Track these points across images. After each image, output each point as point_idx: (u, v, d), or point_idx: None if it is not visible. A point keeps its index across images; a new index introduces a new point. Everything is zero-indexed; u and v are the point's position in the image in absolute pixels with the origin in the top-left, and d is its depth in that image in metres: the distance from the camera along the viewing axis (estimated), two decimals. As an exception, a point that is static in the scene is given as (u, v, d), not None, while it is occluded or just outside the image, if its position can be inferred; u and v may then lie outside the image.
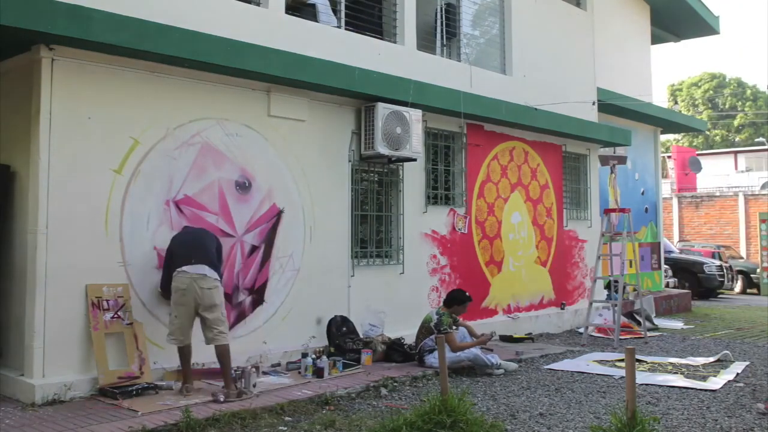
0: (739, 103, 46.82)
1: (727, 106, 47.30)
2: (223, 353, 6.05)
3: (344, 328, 7.75)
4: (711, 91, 46.41)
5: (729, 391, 6.85)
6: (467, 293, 8.04)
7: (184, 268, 6.00)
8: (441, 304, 8.13)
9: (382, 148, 7.96)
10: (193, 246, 6.17)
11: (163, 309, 6.48)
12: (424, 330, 7.66)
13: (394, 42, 8.90)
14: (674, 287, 16.36)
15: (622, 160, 14.05)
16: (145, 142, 6.44)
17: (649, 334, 10.56)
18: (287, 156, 7.58)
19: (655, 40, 16.29)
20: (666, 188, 25.08)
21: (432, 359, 7.41)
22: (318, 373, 6.83)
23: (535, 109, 10.23)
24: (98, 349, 5.97)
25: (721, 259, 19.46)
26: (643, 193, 15.17)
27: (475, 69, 9.71)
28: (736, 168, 37.84)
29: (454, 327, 7.72)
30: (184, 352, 6.13)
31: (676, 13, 15.32)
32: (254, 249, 7.26)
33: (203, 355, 6.65)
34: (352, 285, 8.15)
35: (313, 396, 6.15)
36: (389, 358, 7.77)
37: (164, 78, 6.59)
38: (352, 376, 6.98)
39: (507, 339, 9.44)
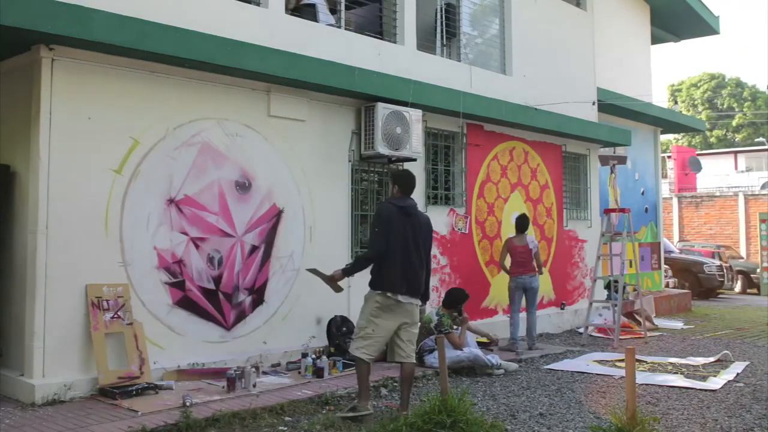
0: (736, 104, 46.83)
1: (725, 107, 47.32)
2: (412, 372, 5.67)
3: (344, 328, 7.74)
4: (710, 92, 46.44)
5: (729, 391, 6.86)
6: (464, 291, 8.05)
7: (399, 297, 5.52)
8: (440, 305, 8.13)
9: (382, 148, 7.96)
10: (412, 271, 5.58)
11: (163, 309, 6.48)
12: (424, 330, 7.66)
13: (394, 42, 8.89)
14: (674, 287, 16.36)
15: (622, 160, 14.02)
16: (145, 142, 6.44)
17: (649, 334, 10.57)
18: (287, 156, 7.58)
19: (655, 40, 16.29)
20: (665, 188, 25.09)
21: (432, 359, 7.41)
22: (318, 373, 6.83)
23: (535, 109, 10.23)
24: (98, 349, 5.96)
25: (721, 259, 19.46)
26: (643, 193, 15.17)
27: (475, 69, 9.71)
28: (736, 168, 37.85)
29: (454, 327, 7.72)
30: (369, 370, 5.61)
31: (676, 13, 15.31)
32: (254, 249, 7.26)
33: (203, 356, 6.67)
34: (352, 285, 8.13)
35: (313, 396, 6.15)
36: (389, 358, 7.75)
37: (164, 78, 6.59)
38: (352, 376, 6.94)
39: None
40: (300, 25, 7.76)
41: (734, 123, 46.89)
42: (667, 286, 15.94)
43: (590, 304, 10.41)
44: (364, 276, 8.19)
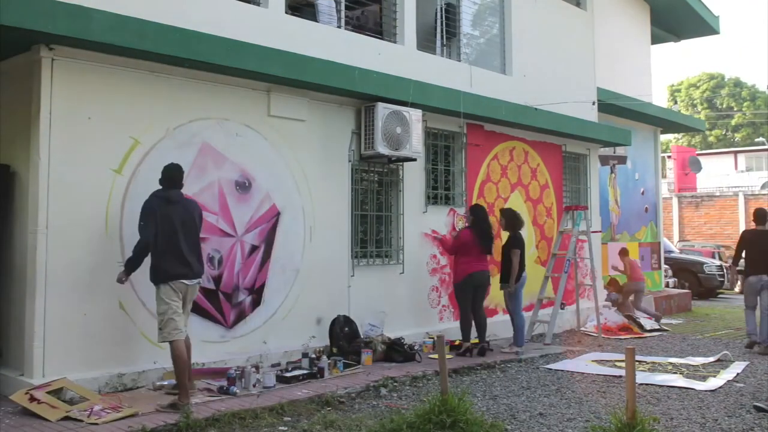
0: (735, 104, 46.85)
1: (724, 106, 47.36)
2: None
3: (347, 329, 7.75)
4: (709, 92, 46.48)
5: (729, 391, 6.86)
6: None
7: (184, 281, 5.78)
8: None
9: (382, 148, 7.96)
10: (189, 249, 5.83)
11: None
12: None
13: (394, 42, 8.89)
14: (674, 287, 16.36)
15: (622, 160, 14.04)
16: (145, 142, 6.44)
17: (649, 335, 10.59)
18: (287, 156, 7.58)
19: (655, 40, 16.29)
20: (665, 188, 25.12)
21: None
22: (318, 373, 6.83)
23: (535, 109, 10.23)
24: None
25: (721, 259, 19.44)
26: (643, 193, 15.17)
27: (475, 69, 9.71)
28: (736, 168, 37.90)
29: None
30: (185, 347, 5.78)
31: (676, 13, 15.32)
32: (254, 249, 7.26)
33: (203, 355, 6.66)
34: (352, 285, 8.14)
35: (313, 396, 6.15)
36: (389, 358, 7.76)
37: (164, 78, 6.59)
38: (352, 376, 6.98)
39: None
40: (300, 25, 7.76)
41: (733, 123, 46.91)
42: (667, 286, 15.94)
43: (538, 300, 10.18)
44: (364, 276, 8.24)
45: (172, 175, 5.94)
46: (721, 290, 18.63)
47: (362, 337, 7.88)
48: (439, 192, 9.39)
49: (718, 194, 26.70)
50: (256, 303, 7.24)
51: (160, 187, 5.93)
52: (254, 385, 6.27)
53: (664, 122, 15.63)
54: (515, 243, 8.74)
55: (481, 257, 8.39)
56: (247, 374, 6.28)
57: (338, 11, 8.39)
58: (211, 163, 6.93)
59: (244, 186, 7.20)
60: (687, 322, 12.54)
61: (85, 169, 6.05)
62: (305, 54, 7.34)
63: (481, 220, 8.49)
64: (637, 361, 6.95)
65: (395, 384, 6.82)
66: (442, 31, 9.73)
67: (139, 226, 5.82)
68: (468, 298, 8.32)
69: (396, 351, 7.79)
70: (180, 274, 5.77)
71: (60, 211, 5.88)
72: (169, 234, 5.74)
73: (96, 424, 5.14)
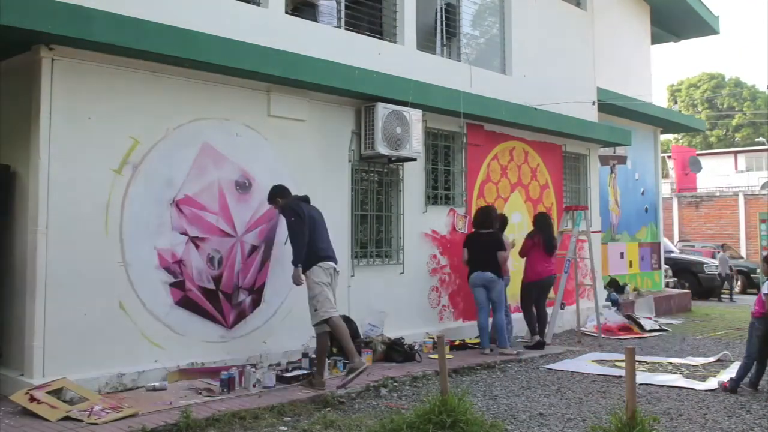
0: (736, 103, 46.86)
1: (725, 106, 47.37)
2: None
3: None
4: (709, 92, 46.51)
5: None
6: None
7: (331, 263, 6.64)
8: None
9: (382, 148, 7.96)
10: (328, 240, 6.76)
11: (163, 309, 6.48)
12: None
13: (394, 42, 8.89)
14: (674, 287, 16.36)
15: (622, 160, 14.04)
16: (145, 142, 6.44)
17: (649, 335, 10.59)
18: (287, 156, 7.58)
19: (655, 40, 16.30)
20: (665, 188, 25.11)
21: None
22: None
23: (535, 109, 10.23)
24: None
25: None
26: (643, 193, 15.17)
27: (475, 69, 9.71)
28: (736, 168, 37.92)
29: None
30: (341, 322, 6.50)
31: (676, 13, 15.32)
32: (254, 249, 7.26)
33: (203, 355, 6.67)
34: (352, 285, 8.14)
35: (314, 396, 6.15)
36: (389, 358, 7.76)
37: (164, 78, 6.59)
38: (352, 376, 6.97)
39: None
40: (300, 25, 7.76)
41: (734, 123, 46.92)
42: (667, 286, 15.94)
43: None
44: (364, 276, 8.24)
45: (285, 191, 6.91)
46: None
47: (362, 337, 7.87)
48: (439, 192, 9.39)
49: (718, 194, 26.72)
50: (256, 303, 7.24)
51: (288, 198, 6.82)
52: (254, 385, 6.27)
53: (664, 122, 15.63)
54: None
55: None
56: (247, 374, 6.28)
57: (338, 11, 8.39)
58: (211, 163, 6.93)
59: (244, 186, 7.20)
60: (687, 322, 12.55)
61: (85, 169, 6.05)
62: (305, 54, 7.34)
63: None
64: (637, 361, 6.93)
65: (395, 384, 6.82)
66: (442, 31, 9.73)
67: (290, 222, 6.60)
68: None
69: (396, 351, 7.79)
70: (328, 257, 6.65)
71: (60, 211, 5.88)
72: (312, 227, 6.61)
73: (96, 424, 5.15)
